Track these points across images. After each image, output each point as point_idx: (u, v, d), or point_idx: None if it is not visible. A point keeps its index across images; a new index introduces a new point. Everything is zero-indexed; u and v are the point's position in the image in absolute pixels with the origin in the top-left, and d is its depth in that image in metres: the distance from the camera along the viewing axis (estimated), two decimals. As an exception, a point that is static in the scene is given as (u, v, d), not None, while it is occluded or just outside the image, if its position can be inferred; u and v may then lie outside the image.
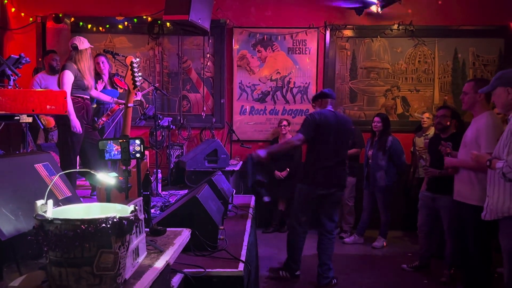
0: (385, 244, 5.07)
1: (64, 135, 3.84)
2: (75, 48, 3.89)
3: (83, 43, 3.94)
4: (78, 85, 3.87)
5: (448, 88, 5.87)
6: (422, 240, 4.26)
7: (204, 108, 5.91)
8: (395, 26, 5.78)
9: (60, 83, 3.79)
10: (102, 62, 4.75)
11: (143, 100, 5.10)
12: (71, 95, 3.81)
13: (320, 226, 3.93)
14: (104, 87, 4.74)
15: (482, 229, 3.14)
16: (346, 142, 3.99)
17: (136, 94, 4.44)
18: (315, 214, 3.92)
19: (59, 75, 3.83)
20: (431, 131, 4.95)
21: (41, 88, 4.90)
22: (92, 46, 4.12)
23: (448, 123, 3.94)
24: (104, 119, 4.38)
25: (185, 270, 1.98)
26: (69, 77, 3.79)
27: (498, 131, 3.12)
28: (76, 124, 3.78)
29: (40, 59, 5.73)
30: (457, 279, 3.88)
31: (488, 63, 5.81)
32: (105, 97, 4.39)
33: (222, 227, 2.48)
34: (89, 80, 3.96)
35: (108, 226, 1.10)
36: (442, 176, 3.81)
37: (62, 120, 3.80)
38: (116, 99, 4.43)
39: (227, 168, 4.60)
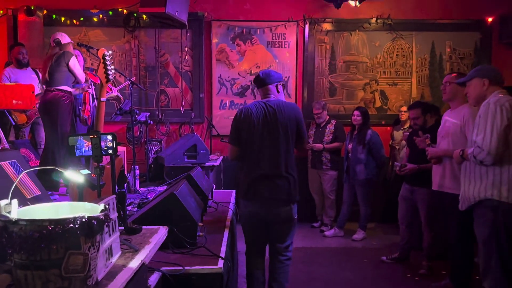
0: (365, 237, 5.11)
1: (51, 128, 3.67)
2: (58, 43, 3.80)
3: (64, 38, 3.86)
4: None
5: (426, 81, 5.94)
6: (403, 232, 4.29)
7: (183, 102, 5.82)
8: (374, 20, 5.80)
9: (74, 69, 3.79)
10: (76, 56, 4.61)
11: (120, 95, 4.99)
12: (67, 87, 3.84)
13: (270, 245, 2.95)
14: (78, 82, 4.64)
15: (465, 219, 3.18)
16: (285, 140, 2.76)
17: (111, 89, 4.34)
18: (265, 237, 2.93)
19: (71, 63, 3.79)
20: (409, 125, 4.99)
21: (10, 82, 4.74)
22: (72, 42, 4.02)
23: (422, 121, 3.98)
24: (84, 110, 4.26)
25: (163, 268, 1.93)
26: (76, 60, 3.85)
27: None
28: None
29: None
30: (436, 271, 3.94)
31: (464, 56, 5.89)
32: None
33: (201, 224, 2.44)
34: (79, 73, 3.92)
35: (76, 226, 1.04)
36: (422, 170, 3.84)
37: (47, 112, 3.64)
38: (82, 87, 4.28)
39: (207, 164, 4.55)
